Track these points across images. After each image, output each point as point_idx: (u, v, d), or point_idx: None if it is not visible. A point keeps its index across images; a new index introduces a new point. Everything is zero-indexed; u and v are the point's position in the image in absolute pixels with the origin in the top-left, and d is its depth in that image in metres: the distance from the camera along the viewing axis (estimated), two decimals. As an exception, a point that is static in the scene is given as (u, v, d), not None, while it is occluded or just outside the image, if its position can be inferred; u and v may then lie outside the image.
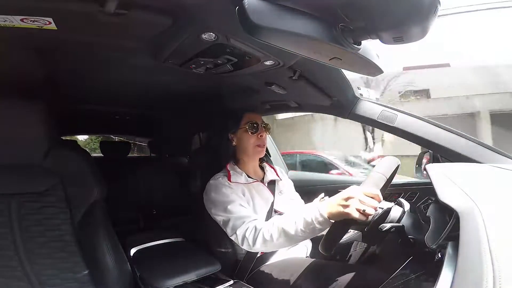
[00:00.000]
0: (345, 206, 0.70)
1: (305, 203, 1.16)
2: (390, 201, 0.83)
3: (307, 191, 1.24)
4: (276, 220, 0.83)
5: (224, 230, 0.92)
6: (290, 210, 1.09)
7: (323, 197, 0.79)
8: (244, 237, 0.85)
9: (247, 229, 0.86)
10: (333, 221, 0.73)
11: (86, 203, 0.84)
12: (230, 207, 0.91)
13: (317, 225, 0.74)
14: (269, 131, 1.08)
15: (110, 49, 0.70)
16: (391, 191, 1.15)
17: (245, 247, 0.87)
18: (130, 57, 0.75)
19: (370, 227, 0.75)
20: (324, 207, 0.74)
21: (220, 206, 0.94)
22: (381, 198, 0.70)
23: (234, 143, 1.04)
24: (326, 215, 0.73)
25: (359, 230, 0.94)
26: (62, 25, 0.54)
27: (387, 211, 0.75)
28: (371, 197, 0.69)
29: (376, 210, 0.69)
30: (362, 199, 0.69)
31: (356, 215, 0.68)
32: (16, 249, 0.78)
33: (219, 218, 0.93)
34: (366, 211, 0.68)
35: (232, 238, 0.89)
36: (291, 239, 0.80)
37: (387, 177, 0.74)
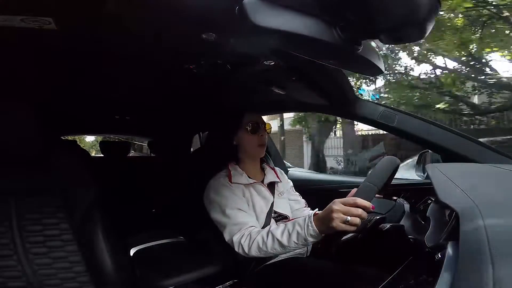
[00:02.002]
0: (330, 220, 0.71)
1: (306, 203, 1.17)
2: (390, 200, 0.83)
3: (307, 191, 1.24)
4: (272, 230, 0.85)
5: (222, 232, 0.93)
6: (290, 211, 1.09)
7: (317, 211, 0.81)
8: (239, 243, 0.87)
9: (242, 236, 0.88)
10: (323, 235, 0.76)
11: (86, 202, 0.84)
12: (228, 211, 0.92)
13: (310, 238, 0.77)
14: (270, 131, 1.08)
15: (110, 49, 0.70)
16: (391, 191, 1.15)
17: (240, 252, 0.88)
18: (130, 57, 0.75)
19: (366, 233, 0.76)
20: (316, 222, 0.76)
21: (219, 209, 0.94)
22: (369, 205, 0.70)
23: (235, 142, 1.04)
24: (318, 231, 0.75)
25: (356, 233, 0.94)
26: (62, 25, 0.54)
27: (379, 221, 0.75)
28: (355, 206, 0.70)
29: (362, 218, 0.69)
30: (344, 210, 0.69)
31: (340, 227, 0.69)
32: (15, 248, 0.78)
33: (217, 221, 0.94)
34: (350, 221, 0.69)
35: (229, 242, 0.91)
36: (285, 249, 0.83)
37: (379, 187, 0.73)
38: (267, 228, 0.87)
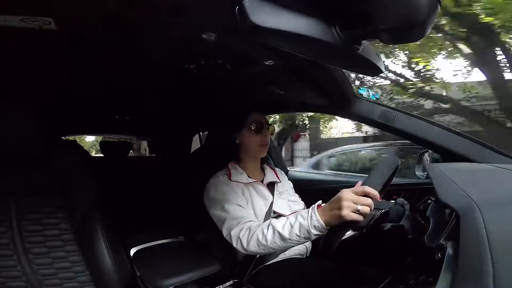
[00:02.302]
0: (339, 209, 0.68)
1: (306, 204, 1.16)
2: (390, 200, 0.83)
3: (307, 191, 1.24)
4: (273, 223, 0.81)
5: (220, 229, 0.92)
6: (289, 211, 1.09)
7: (320, 203, 0.78)
8: (238, 237, 0.85)
9: (241, 230, 0.86)
10: (329, 227, 0.72)
11: (86, 202, 0.84)
12: (227, 207, 0.92)
13: (313, 231, 0.73)
14: (273, 132, 1.08)
15: (109, 49, 0.70)
16: (391, 191, 1.15)
17: (238, 247, 0.86)
18: (130, 57, 0.75)
19: (369, 229, 0.75)
20: (320, 213, 0.73)
21: (218, 205, 0.94)
22: (377, 194, 0.68)
23: (237, 141, 1.04)
24: (322, 221, 0.72)
25: (358, 231, 0.94)
26: (62, 25, 0.54)
27: (384, 215, 0.75)
28: (364, 196, 0.68)
29: (371, 209, 0.67)
30: (354, 199, 0.67)
31: (350, 216, 0.67)
32: (15, 248, 0.78)
33: (216, 217, 0.94)
34: (361, 210, 0.66)
35: (227, 238, 0.89)
36: (286, 243, 0.79)
37: (386, 176, 0.73)
38: (267, 221, 0.84)
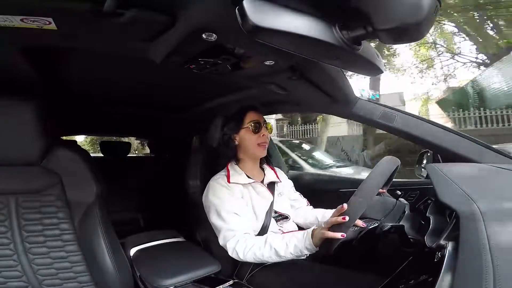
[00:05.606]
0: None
1: (308, 202, 1.17)
2: (394, 195, 0.84)
3: (307, 192, 1.24)
4: (269, 240, 0.87)
5: (217, 235, 0.95)
6: (290, 211, 1.09)
7: (314, 228, 0.84)
8: (234, 249, 0.89)
9: (237, 242, 0.89)
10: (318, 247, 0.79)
11: (86, 203, 0.84)
12: (224, 214, 0.93)
13: (305, 251, 0.82)
14: (271, 131, 1.08)
15: (110, 49, 0.70)
16: (391, 191, 1.15)
17: (234, 256, 0.90)
18: (130, 57, 0.75)
19: (359, 241, 0.79)
20: (313, 236, 0.80)
21: (215, 212, 0.95)
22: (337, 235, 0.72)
23: (236, 142, 1.04)
24: (313, 244, 0.80)
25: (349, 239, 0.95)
26: (62, 25, 0.54)
27: (372, 230, 0.79)
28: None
29: (342, 236, 0.72)
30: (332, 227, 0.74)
31: (327, 234, 0.74)
32: (15, 248, 0.78)
33: (213, 224, 0.96)
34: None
35: (223, 246, 0.93)
36: (280, 258, 0.86)
37: (369, 202, 0.74)
38: (264, 237, 0.89)
